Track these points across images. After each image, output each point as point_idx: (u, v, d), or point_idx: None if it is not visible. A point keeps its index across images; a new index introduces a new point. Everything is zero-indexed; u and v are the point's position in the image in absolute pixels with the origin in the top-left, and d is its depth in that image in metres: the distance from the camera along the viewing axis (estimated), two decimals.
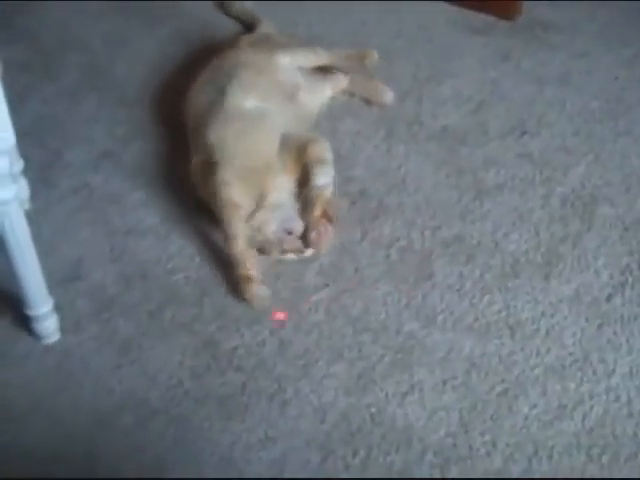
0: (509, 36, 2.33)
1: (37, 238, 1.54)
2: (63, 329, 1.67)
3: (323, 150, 1.87)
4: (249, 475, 1.45)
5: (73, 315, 1.70)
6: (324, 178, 1.83)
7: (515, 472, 1.44)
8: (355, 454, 1.47)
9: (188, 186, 1.87)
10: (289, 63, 2.04)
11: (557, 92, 2.16)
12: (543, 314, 1.67)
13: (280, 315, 1.68)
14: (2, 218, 1.45)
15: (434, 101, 2.15)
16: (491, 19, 2.38)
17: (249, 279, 1.69)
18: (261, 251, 1.76)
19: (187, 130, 1.96)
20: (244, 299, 1.69)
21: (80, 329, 1.68)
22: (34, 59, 2.27)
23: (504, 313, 1.68)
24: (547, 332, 1.64)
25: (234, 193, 1.76)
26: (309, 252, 1.76)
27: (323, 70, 2.14)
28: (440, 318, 1.68)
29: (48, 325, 1.64)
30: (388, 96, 2.13)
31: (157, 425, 1.53)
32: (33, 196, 1.90)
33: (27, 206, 1.85)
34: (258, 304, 1.69)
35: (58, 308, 1.65)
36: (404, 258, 1.79)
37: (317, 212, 1.78)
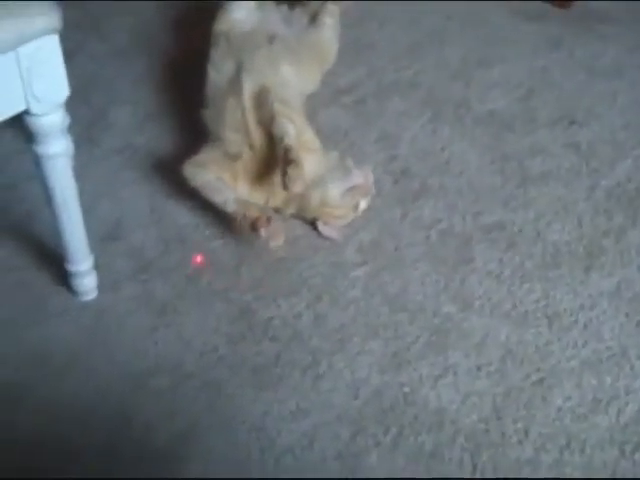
0: (562, 24, 2.30)
1: (79, 194, 1.54)
2: (101, 287, 1.67)
3: (270, 106, 1.78)
4: (280, 444, 1.45)
5: (111, 274, 1.70)
6: (278, 131, 1.74)
7: (546, 462, 1.43)
8: (386, 432, 1.47)
9: None
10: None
11: (608, 84, 2.13)
12: (582, 306, 1.65)
13: (198, 259, 1.69)
14: (51, 171, 1.46)
15: (483, 85, 2.13)
16: (545, 6, 2.35)
17: (255, 221, 1.67)
18: (333, 220, 1.77)
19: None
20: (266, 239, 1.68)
21: (117, 289, 1.68)
22: (84, 18, 2.27)
23: (543, 302, 1.66)
24: (585, 325, 1.62)
25: (205, 175, 1.77)
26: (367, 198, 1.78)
27: None
28: (478, 303, 1.67)
29: (87, 282, 1.64)
30: None
31: (190, 389, 1.53)
32: (76, 153, 1.89)
33: (72, 163, 1.85)
34: (277, 239, 1.68)
35: (97, 266, 1.65)
36: (444, 240, 1.78)
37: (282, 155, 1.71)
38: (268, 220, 1.67)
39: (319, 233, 1.78)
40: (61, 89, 1.39)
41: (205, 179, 1.76)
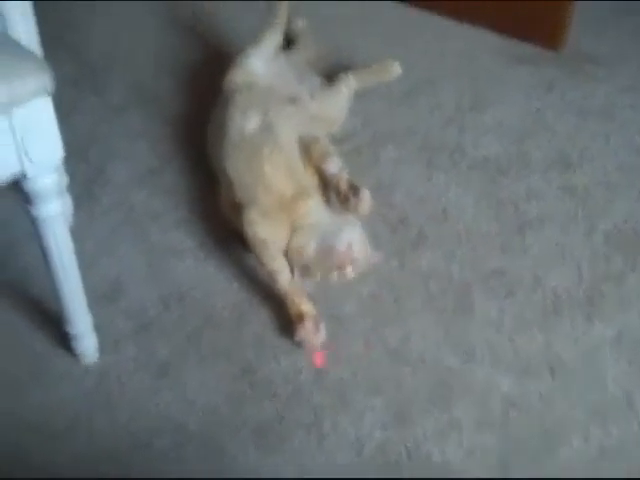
0: (554, 67, 2.31)
1: (78, 253, 1.54)
2: (101, 348, 1.67)
3: (323, 146, 1.85)
4: None
5: (111, 334, 1.70)
6: (335, 166, 1.80)
7: None
8: None
9: (221, 216, 1.87)
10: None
11: (601, 125, 2.14)
12: (584, 354, 1.65)
13: (319, 357, 1.66)
14: (47, 233, 1.45)
15: (476, 130, 2.14)
16: (536, 49, 2.36)
17: (301, 316, 1.67)
18: (305, 274, 1.74)
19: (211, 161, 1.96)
20: (297, 341, 1.66)
21: (118, 349, 1.68)
22: (81, 74, 2.29)
23: (544, 352, 1.66)
24: (588, 373, 1.62)
25: (263, 231, 1.74)
26: (350, 271, 1.72)
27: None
28: (479, 354, 1.66)
29: (87, 343, 1.64)
30: (397, 68, 2.13)
31: (193, 450, 1.53)
32: (76, 211, 1.90)
33: (70, 221, 1.86)
34: (312, 345, 1.66)
35: (96, 327, 1.65)
36: (443, 290, 1.78)
37: (345, 186, 1.76)
38: (316, 322, 1.66)
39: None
40: (56, 151, 1.39)
41: (266, 236, 1.73)
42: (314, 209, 1.79)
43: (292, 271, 1.74)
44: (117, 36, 2.45)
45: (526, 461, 1.49)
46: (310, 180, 1.82)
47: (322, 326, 1.67)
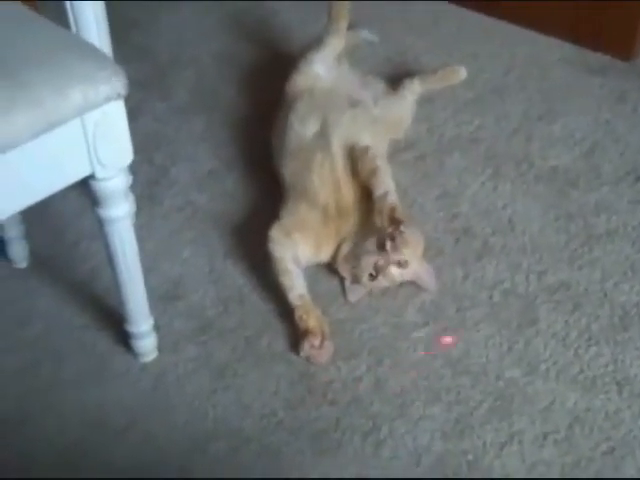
0: (625, 77, 2.26)
1: (139, 254, 1.55)
2: (160, 348, 1.67)
3: (371, 160, 1.79)
4: None
5: (171, 335, 1.70)
6: (380, 187, 1.74)
7: None
8: None
9: None
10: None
11: None
12: None
13: (448, 339, 1.65)
14: (113, 235, 1.46)
15: (545, 140, 2.10)
16: (607, 59, 2.31)
17: (307, 332, 1.64)
18: (356, 282, 1.73)
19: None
20: (303, 356, 1.64)
21: (177, 349, 1.68)
22: (148, 76, 2.31)
23: (611, 367, 1.61)
24: None
25: (280, 251, 1.73)
26: (397, 274, 1.70)
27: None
28: (543, 367, 1.62)
29: (147, 343, 1.64)
30: (462, 72, 2.12)
31: (249, 454, 1.51)
32: (138, 212, 1.92)
33: (132, 222, 1.87)
34: (316, 361, 1.63)
35: (156, 326, 1.65)
36: (507, 301, 1.74)
37: (384, 222, 1.69)
38: (322, 339, 1.63)
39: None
40: (126, 154, 1.40)
41: (283, 254, 1.73)
42: (359, 223, 1.78)
43: (343, 282, 1.76)
44: (182, 36, 2.47)
45: (589, 477, 1.44)
46: (354, 195, 1.79)
47: (328, 343, 1.63)
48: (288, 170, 1.85)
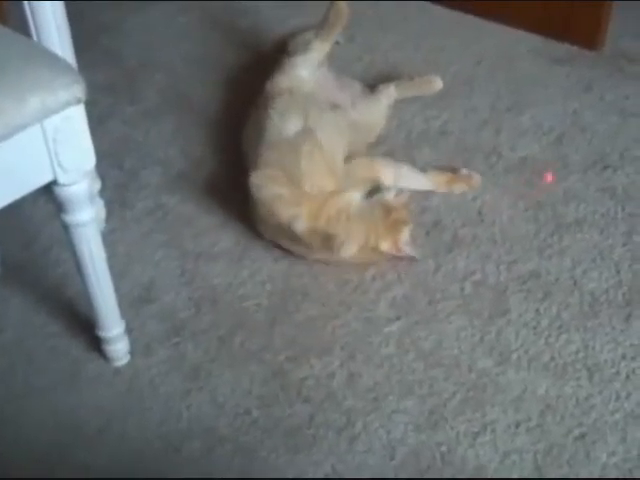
0: (592, 67, 2.27)
1: (111, 258, 1.56)
2: (133, 351, 1.67)
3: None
4: None
5: (143, 338, 1.70)
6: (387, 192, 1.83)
7: None
8: None
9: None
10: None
11: None
12: (623, 356, 1.61)
13: (549, 177, 1.71)
14: (79, 240, 1.46)
15: (513, 132, 2.11)
16: (574, 49, 2.32)
17: (329, 237, 1.73)
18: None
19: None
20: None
21: (150, 352, 1.68)
22: (117, 79, 2.30)
23: (582, 354, 1.62)
24: (627, 376, 1.58)
25: (272, 190, 1.78)
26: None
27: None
28: (514, 356, 1.63)
29: (119, 347, 1.64)
30: (438, 83, 2.13)
31: (224, 453, 1.52)
32: (108, 216, 1.91)
33: (103, 226, 1.87)
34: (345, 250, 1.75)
35: (128, 330, 1.65)
36: (479, 292, 1.75)
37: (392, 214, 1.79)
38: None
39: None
40: (88, 158, 1.39)
41: (274, 192, 1.77)
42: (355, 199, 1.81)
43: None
44: (151, 39, 2.46)
45: (562, 465, 1.46)
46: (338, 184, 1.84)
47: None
48: (262, 162, 1.85)
